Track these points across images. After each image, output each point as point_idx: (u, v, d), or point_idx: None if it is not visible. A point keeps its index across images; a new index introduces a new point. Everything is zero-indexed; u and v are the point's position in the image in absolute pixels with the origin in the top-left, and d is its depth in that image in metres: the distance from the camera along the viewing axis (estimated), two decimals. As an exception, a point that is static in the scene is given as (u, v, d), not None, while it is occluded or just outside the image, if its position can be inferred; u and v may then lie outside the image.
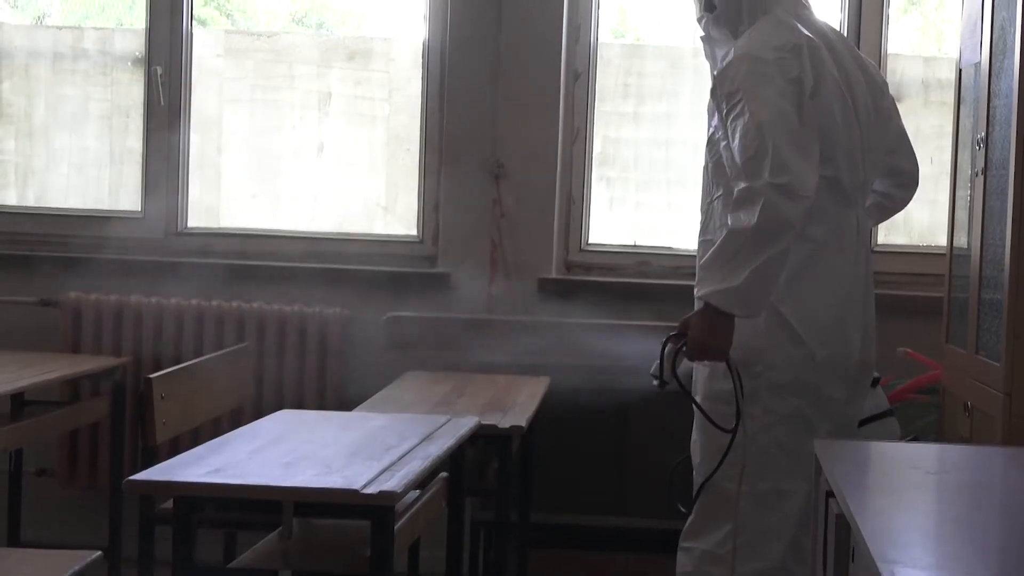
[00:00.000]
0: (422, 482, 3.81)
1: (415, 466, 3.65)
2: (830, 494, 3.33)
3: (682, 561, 4.15)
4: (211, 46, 6.53)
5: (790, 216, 3.91)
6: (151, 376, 4.69)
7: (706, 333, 3.93)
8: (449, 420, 4.30)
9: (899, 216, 6.15)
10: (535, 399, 5.09)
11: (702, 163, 4.32)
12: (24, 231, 6.37)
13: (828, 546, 3.31)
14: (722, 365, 4.00)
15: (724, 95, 4.02)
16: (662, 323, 5.12)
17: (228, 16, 6.82)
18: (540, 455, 5.51)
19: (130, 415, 5.88)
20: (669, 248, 6.26)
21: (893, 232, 6.20)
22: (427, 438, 4.00)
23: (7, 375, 5.35)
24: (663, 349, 4.02)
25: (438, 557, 4.60)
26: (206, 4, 6.62)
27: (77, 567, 3.92)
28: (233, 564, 3.95)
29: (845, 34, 6.13)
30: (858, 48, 6.09)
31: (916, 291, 5.96)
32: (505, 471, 4.81)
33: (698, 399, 4.16)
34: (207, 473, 3.51)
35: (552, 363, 5.71)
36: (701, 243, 4.22)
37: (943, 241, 5.74)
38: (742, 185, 3.91)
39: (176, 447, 4.59)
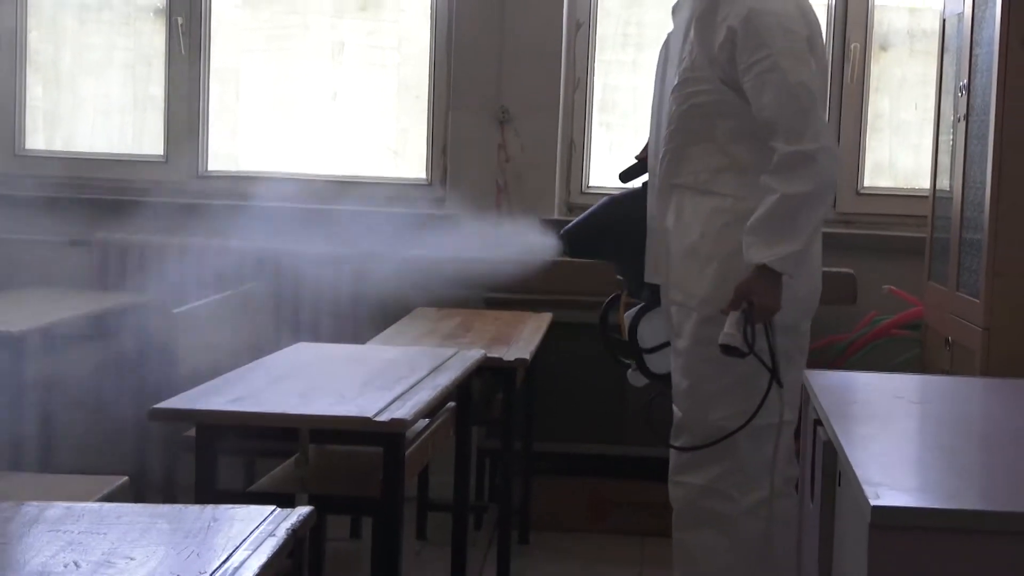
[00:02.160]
0: (431, 411, 3.82)
1: (424, 396, 3.67)
2: (818, 422, 3.36)
3: (677, 495, 4.08)
4: (229, -2, 6.52)
5: (835, 178, 3.93)
6: (176, 311, 4.71)
7: (771, 297, 3.78)
8: (457, 353, 4.31)
9: (884, 159, 6.17)
10: (538, 334, 5.11)
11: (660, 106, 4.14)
12: (52, 174, 6.36)
13: (816, 471, 3.33)
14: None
15: (745, 48, 3.85)
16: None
17: (244, -31, 6.79)
18: (542, 386, 5.52)
19: (155, 348, 5.89)
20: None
21: (878, 175, 6.19)
22: (436, 370, 4.02)
23: (39, 311, 5.37)
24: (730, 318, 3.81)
25: (446, 483, 4.63)
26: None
27: (105, 491, 3.95)
28: (252, 488, 3.97)
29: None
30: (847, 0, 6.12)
31: (900, 231, 5.97)
32: (510, 402, 4.84)
33: (685, 344, 4.02)
34: (228, 402, 3.52)
35: (554, 300, 5.73)
36: (672, 186, 4.05)
37: (926, 184, 5.75)
38: (791, 148, 3.77)
39: (197, 379, 4.59)
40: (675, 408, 4.08)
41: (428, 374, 3.93)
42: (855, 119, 6.13)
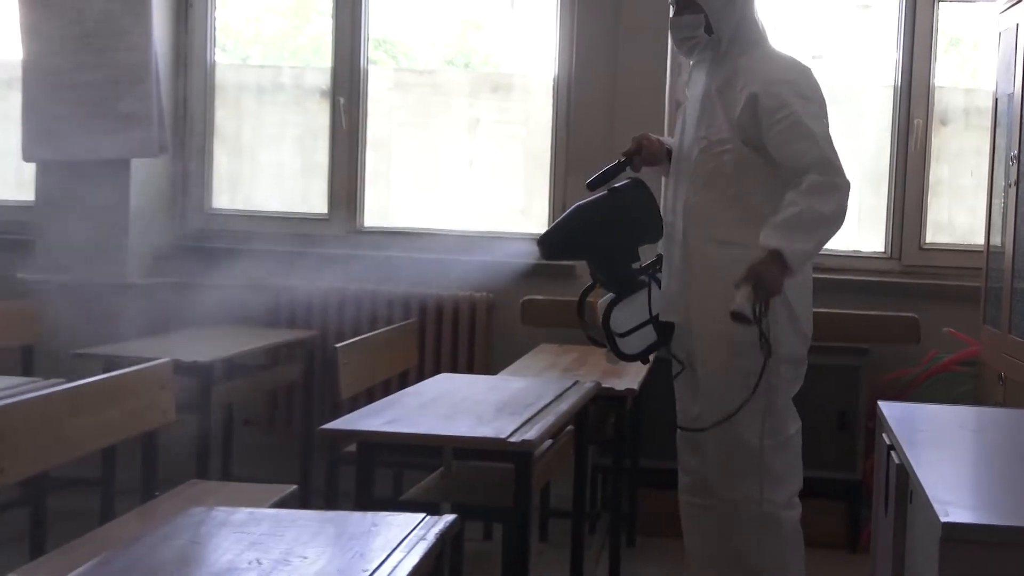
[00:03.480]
0: (554, 433, 3.81)
1: (549, 420, 3.65)
2: (891, 447, 3.29)
3: (726, 510, 4.09)
4: (383, 81, 6.56)
5: (846, 214, 3.93)
6: (337, 345, 4.73)
7: (776, 281, 3.82)
8: (575, 384, 4.29)
9: (944, 219, 6.09)
10: (644, 368, 5.06)
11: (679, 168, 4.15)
12: (235, 229, 6.45)
13: (889, 491, 3.26)
14: (748, 342, 3.89)
15: (767, 109, 3.89)
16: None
17: (394, 58, 6.84)
18: (648, 412, 5.48)
19: (318, 377, 5.94)
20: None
21: (939, 232, 6.09)
22: (558, 398, 4.00)
23: (221, 344, 5.42)
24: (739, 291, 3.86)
25: (565, 494, 4.61)
26: (377, 48, 6.63)
27: (277, 497, 3.98)
28: (403, 497, 3.96)
29: (900, 70, 6.06)
30: (911, 81, 6.05)
31: (958, 281, 5.88)
32: (620, 425, 4.81)
33: (708, 371, 4.06)
34: (383, 423, 3.53)
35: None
36: (694, 238, 4.06)
37: (981, 240, 5.70)
38: (823, 178, 3.82)
39: (355, 403, 4.61)
40: (688, 410, 4.16)
41: (551, 401, 3.91)
42: (918, 184, 6.04)
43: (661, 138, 4.30)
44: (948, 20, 6.11)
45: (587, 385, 4.29)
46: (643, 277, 4.14)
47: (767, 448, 4.00)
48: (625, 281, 4.12)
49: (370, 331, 5.49)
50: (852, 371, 5.65)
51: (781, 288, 3.84)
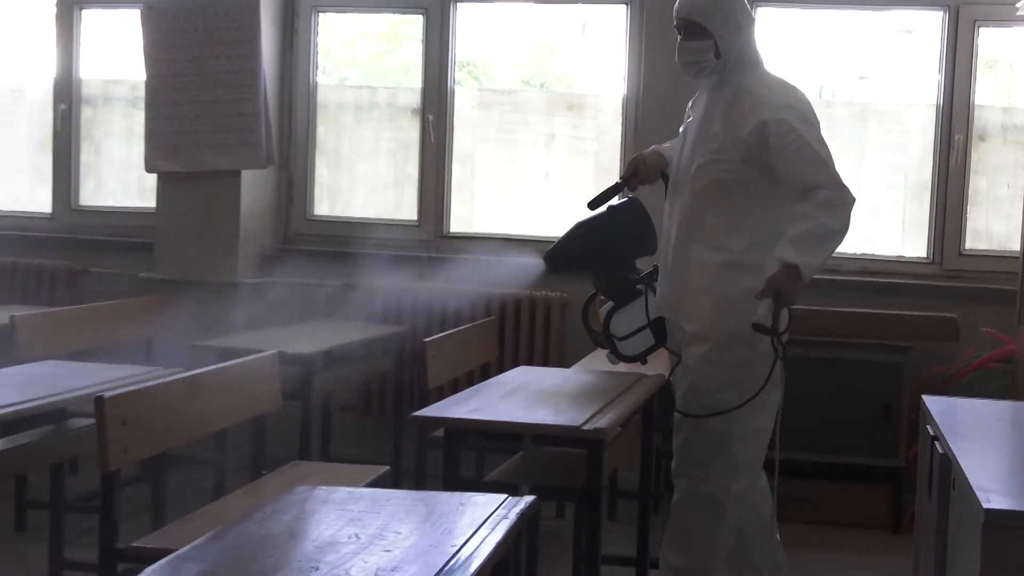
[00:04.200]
0: (623, 422, 3.78)
1: (618, 410, 3.64)
2: (935, 438, 3.24)
3: (682, 484, 4.08)
4: (467, 100, 6.56)
5: (851, 224, 3.90)
6: (425, 340, 4.74)
7: (793, 291, 3.79)
8: (642, 376, 4.26)
9: (982, 227, 6.01)
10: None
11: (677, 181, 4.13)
12: (333, 234, 6.48)
13: (933, 479, 3.21)
14: (730, 338, 3.91)
15: (776, 134, 3.86)
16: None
17: (477, 79, 6.84)
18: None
19: (408, 368, 5.95)
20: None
21: (977, 239, 5.99)
22: (627, 389, 3.98)
23: (322, 337, 5.45)
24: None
25: (632, 476, 4.60)
26: (462, 70, 6.64)
27: (372, 477, 3.99)
28: (486, 479, 3.96)
29: (942, 90, 5.98)
30: (952, 100, 5.96)
31: (995, 284, 5.79)
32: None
33: (694, 362, 4.02)
34: (468, 411, 3.53)
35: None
36: (689, 243, 4.04)
37: (1016, 246, 5.60)
38: (834, 194, 3.82)
39: (440, 392, 4.61)
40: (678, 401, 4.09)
41: (621, 393, 3.90)
42: (958, 195, 5.95)
43: (658, 148, 4.28)
44: (986, 43, 6.02)
45: (653, 378, 4.26)
46: (640, 286, 4.15)
47: (736, 437, 3.96)
48: (623, 290, 4.14)
49: (455, 327, 5.49)
50: (896, 367, 5.58)
51: (796, 296, 3.82)
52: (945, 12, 5.94)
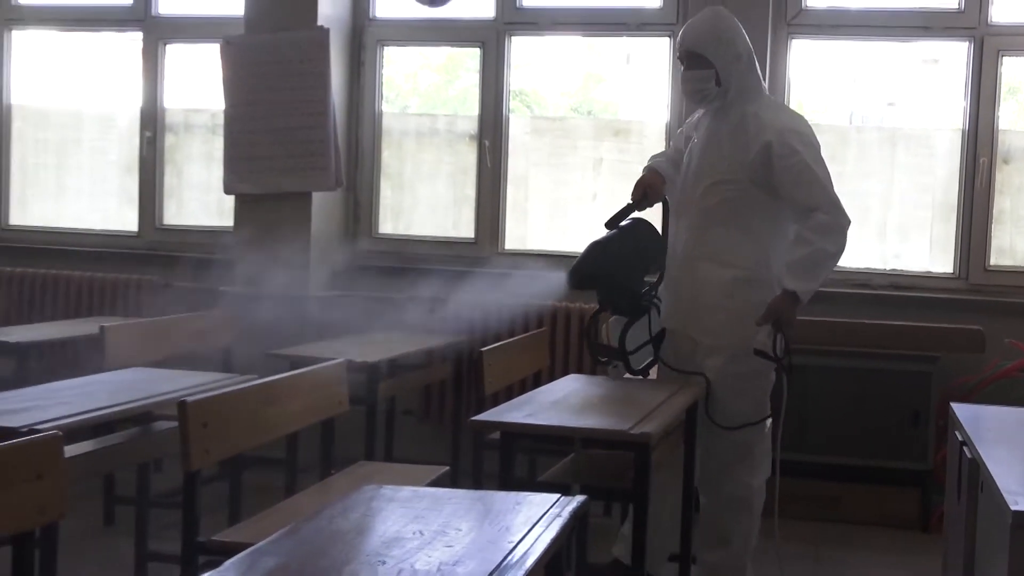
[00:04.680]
0: (668, 426, 3.75)
1: (664, 416, 3.60)
2: (963, 443, 3.19)
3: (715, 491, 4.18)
4: (521, 127, 6.55)
5: (846, 246, 3.96)
6: (482, 349, 4.73)
7: (794, 315, 3.89)
8: (685, 385, 4.22)
9: (1006, 244, 5.93)
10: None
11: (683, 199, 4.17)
12: (397, 251, 6.50)
13: (962, 482, 3.16)
14: (743, 350, 3.98)
15: (780, 155, 3.89)
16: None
17: (529, 107, 6.84)
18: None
19: (465, 375, 5.95)
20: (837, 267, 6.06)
21: (1002, 256, 5.92)
22: (672, 395, 3.94)
23: (386, 347, 5.46)
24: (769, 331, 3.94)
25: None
26: (515, 99, 6.63)
27: (432, 477, 3.98)
28: (540, 479, 3.94)
29: (967, 116, 5.91)
30: (977, 125, 5.89)
31: (1019, 298, 5.73)
32: (774, 430, 4.72)
33: (712, 375, 4.10)
34: (523, 416, 3.51)
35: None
36: (696, 257, 4.11)
37: (1041, 263, 5.52)
38: (831, 218, 3.86)
39: (496, 398, 4.60)
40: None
41: (666, 399, 3.86)
42: (983, 214, 5.87)
43: (655, 167, 4.28)
44: (1009, 71, 5.94)
45: (695, 387, 4.22)
46: (645, 302, 4.17)
47: (756, 442, 4.05)
48: (636, 305, 4.15)
49: (509, 337, 5.48)
50: (924, 376, 5.53)
51: (796, 319, 3.90)
52: (971, 43, 5.88)
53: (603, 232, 4.24)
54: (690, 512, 4.25)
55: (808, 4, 6.06)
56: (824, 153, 4.06)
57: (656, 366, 4.30)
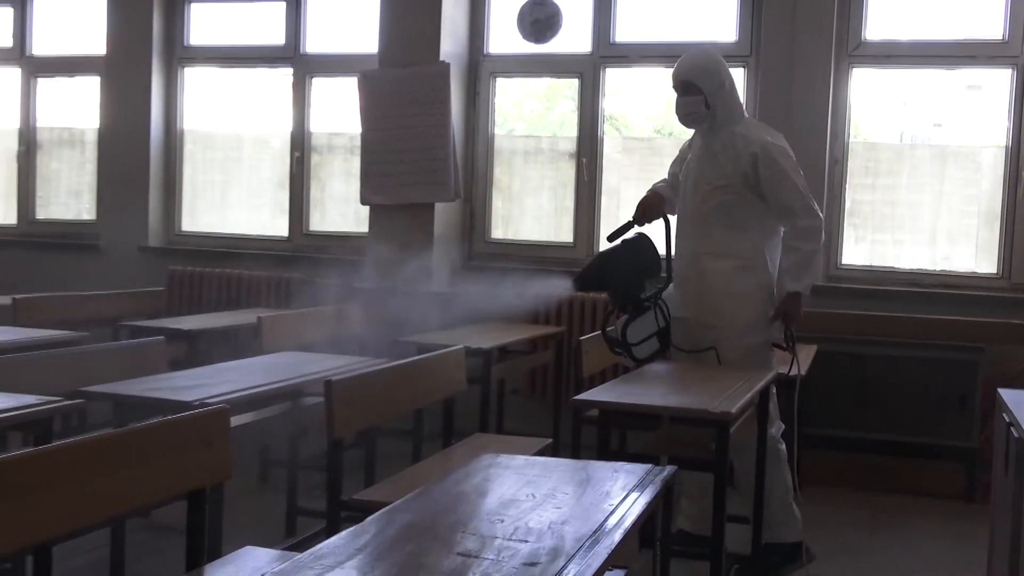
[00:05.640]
0: (745, 406, 3.68)
1: (741, 397, 3.54)
2: (1010, 424, 3.08)
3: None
4: (613, 146, 6.51)
5: (823, 237, 4.15)
6: (580, 338, 4.70)
7: (799, 311, 4.05)
8: (760, 370, 4.14)
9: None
10: (809, 358, 4.92)
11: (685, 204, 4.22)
12: (506, 253, 6.50)
13: (1009, 459, 3.05)
14: (751, 324, 4.09)
15: (764, 165, 4.00)
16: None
17: (618, 129, 6.78)
18: (811, 391, 5.29)
19: (566, 360, 5.92)
20: (893, 268, 5.93)
21: (1032, 261, 5.73)
22: (746, 380, 3.87)
23: (497, 335, 5.45)
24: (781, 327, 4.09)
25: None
26: (608, 122, 6.59)
27: (538, 448, 3.96)
28: (632, 451, 3.89)
29: (1010, 134, 5.72)
30: (1020, 142, 5.69)
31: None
32: (790, 400, 4.63)
33: (726, 354, 4.12)
34: (618, 396, 3.48)
35: (820, 337, 5.50)
36: (700, 254, 4.15)
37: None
38: (807, 222, 3.98)
39: (592, 381, 4.56)
40: None
41: (742, 383, 3.79)
42: (1025, 221, 5.70)
43: (658, 190, 4.38)
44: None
45: (769, 371, 4.14)
46: (647, 303, 4.14)
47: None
48: (636, 306, 4.12)
49: (603, 327, 5.43)
50: (971, 364, 5.39)
51: (801, 314, 4.05)
52: (1014, 69, 5.69)
53: (605, 242, 4.29)
54: (763, 480, 4.18)
55: (867, 37, 5.92)
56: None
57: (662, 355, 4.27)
